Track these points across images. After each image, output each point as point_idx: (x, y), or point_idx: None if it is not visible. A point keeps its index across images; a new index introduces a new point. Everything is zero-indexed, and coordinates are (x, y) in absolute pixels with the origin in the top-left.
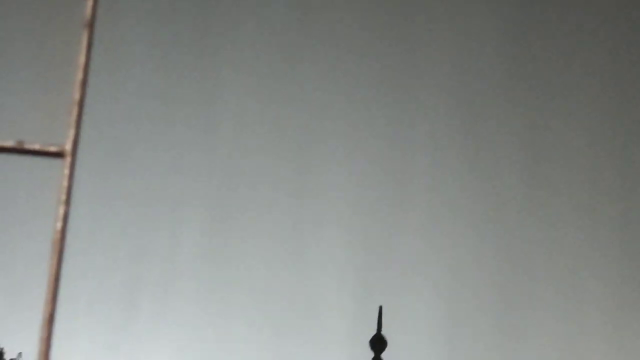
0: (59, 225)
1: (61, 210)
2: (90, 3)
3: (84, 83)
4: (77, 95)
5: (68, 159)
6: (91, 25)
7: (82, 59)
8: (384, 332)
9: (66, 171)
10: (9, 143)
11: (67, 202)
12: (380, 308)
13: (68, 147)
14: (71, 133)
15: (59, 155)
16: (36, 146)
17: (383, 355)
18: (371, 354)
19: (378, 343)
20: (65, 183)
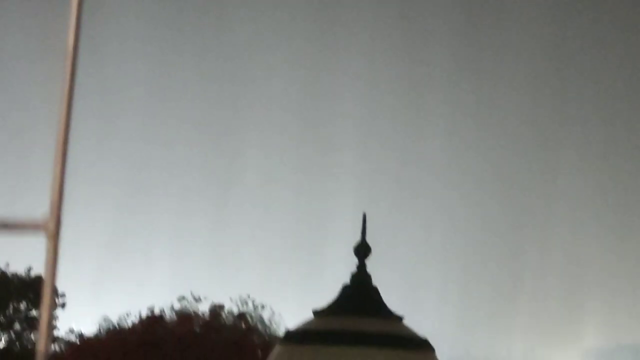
0: (71, 42)
1: (72, 21)
2: None
3: None
4: None
5: None
6: None
7: None
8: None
9: None
10: None
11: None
12: (364, 216)
13: None
14: None
15: None
16: None
17: (367, 261)
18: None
19: (362, 250)
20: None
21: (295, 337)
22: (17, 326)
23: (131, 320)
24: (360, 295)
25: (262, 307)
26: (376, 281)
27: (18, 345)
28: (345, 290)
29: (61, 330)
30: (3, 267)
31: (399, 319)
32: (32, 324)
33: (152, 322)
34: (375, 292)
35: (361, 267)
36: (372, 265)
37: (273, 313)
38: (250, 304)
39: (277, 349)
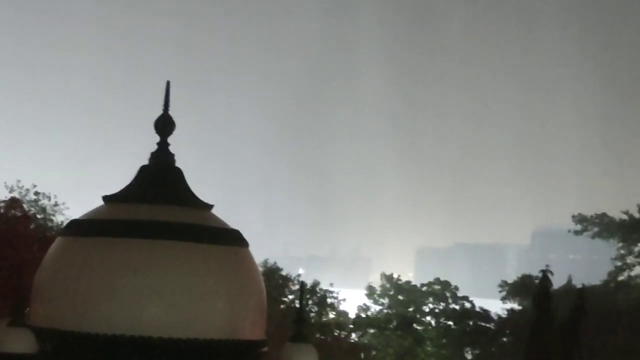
0: None
1: None
2: None
3: None
4: None
5: None
6: None
7: None
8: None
9: None
10: None
11: None
12: (168, 84)
13: None
14: None
15: None
16: None
17: (170, 139)
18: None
19: (163, 124)
20: None
21: (81, 227)
22: None
23: None
24: (160, 178)
25: (45, 195)
26: (185, 164)
27: None
28: (143, 172)
29: None
30: None
31: (207, 207)
32: None
33: None
34: (178, 174)
35: (162, 144)
36: (177, 144)
37: (57, 202)
38: (30, 193)
39: (58, 241)
